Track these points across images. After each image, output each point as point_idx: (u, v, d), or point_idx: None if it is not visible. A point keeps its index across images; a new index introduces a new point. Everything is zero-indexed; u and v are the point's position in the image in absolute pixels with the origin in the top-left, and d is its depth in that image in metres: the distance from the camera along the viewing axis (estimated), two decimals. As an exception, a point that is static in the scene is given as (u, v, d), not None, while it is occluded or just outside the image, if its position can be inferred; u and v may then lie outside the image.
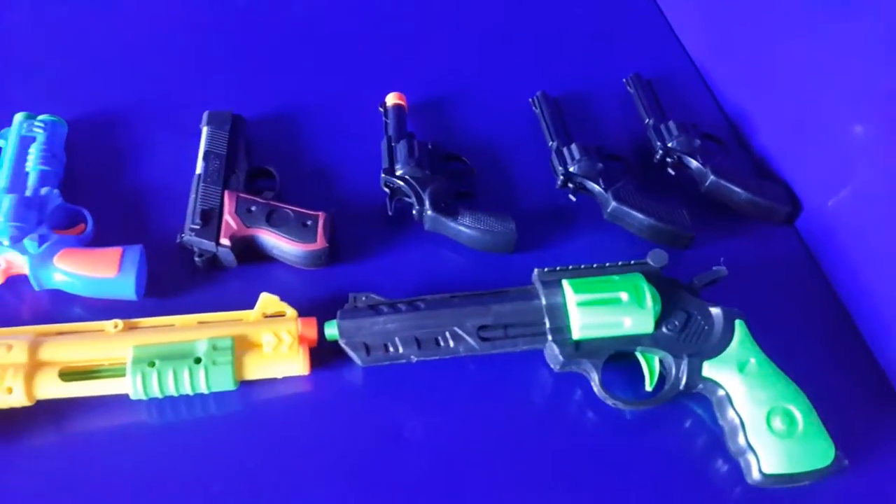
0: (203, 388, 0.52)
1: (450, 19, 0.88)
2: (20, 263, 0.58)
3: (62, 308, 0.59)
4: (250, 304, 0.58)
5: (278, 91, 0.78)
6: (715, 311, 0.54)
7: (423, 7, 0.88)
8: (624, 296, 0.52)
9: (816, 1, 0.67)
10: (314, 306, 0.59)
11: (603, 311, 0.52)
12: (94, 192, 0.66)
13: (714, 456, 0.53)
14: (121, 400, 0.52)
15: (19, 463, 0.51)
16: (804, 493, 0.51)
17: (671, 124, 0.72)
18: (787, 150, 0.72)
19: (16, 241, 0.57)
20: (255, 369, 0.53)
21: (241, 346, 0.53)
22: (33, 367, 0.50)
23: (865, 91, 0.61)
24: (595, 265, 0.57)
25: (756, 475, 0.49)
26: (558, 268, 0.56)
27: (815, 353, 0.60)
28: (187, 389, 0.52)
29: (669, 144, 0.71)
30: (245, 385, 0.54)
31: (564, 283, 0.54)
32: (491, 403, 0.56)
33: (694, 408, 0.56)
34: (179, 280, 0.61)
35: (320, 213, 0.63)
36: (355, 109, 0.76)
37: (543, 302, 0.54)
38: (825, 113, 0.66)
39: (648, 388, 0.54)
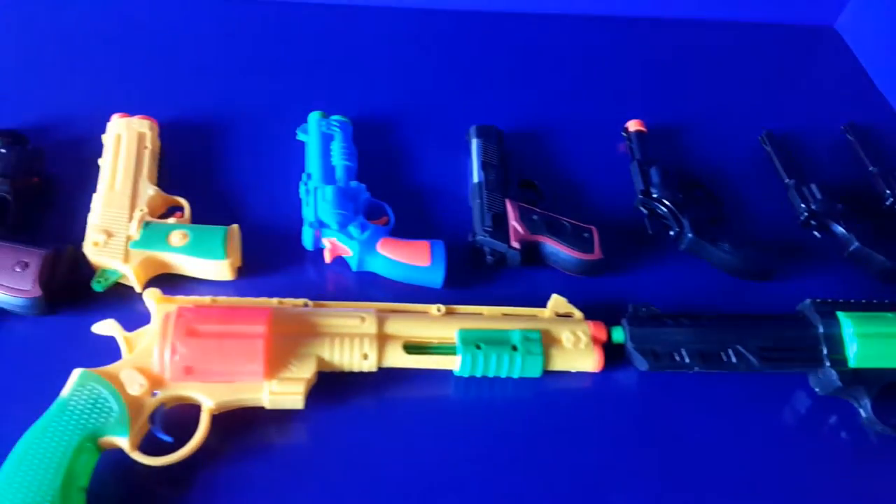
0: (515, 373, 0.59)
1: (682, 60, 0.96)
2: (342, 247, 0.66)
3: (364, 289, 0.67)
4: (526, 302, 0.65)
5: (525, 109, 0.85)
6: (982, 351, 0.59)
7: (664, 47, 0.97)
8: (902, 330, 0.58)
9: None
10: (583, 310, 0.66)
11: (881, 345, 0.58)
12: (374, 188, 0.75)
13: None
14: (439, 374, 0.60)
15: (355, 422, 0.59)
16: None
17: (900, 173, 0.77)
18: None
19: (342, 227, 0.66)
20: (558, 361, 0.60)
21: (545, 340, 0.60)
22: (382, 339, 0.58)
23: None
24: (863, 301, 0.62)
25: None
26: (829, 300, 0.62)
27: None
28: (503, 372, 0.59)
29: (899, 191, 0.76)
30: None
31: (840, 314, 0.60)
32: (750, 417, 0.62)
33: (942, 441, 0.61)
34: (464, 274, 0.69)
35: (592, 227, 0.69)
36: (595, 131, 0.84)
37: (820, 330, 0.60)
38: None
39: (916, 417, 0.59)
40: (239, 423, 0.56)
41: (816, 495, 0.59)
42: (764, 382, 0.64)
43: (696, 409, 0.62)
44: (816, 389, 0.62)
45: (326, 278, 0.67)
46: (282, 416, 0.57)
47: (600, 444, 0.60)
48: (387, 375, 0.60)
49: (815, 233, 0.73)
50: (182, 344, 0.53)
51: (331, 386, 0.59)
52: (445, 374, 0.61)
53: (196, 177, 0.74)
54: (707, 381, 0.63)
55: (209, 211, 0.69)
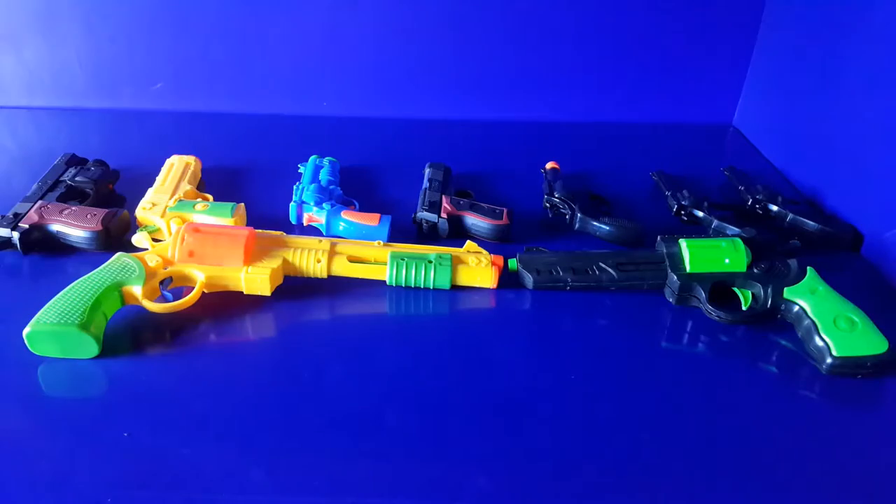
0: (430, 283, 0.78)
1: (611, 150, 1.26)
2: (318, 218, 0.90)
3: (331, 251, 0.90)
4: (453, 260, 0.86)
5: (470, 159, 1.14)
6: (791, 261, 0.76)
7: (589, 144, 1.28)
8: (723, 244, 0.76)
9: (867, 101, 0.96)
10: (497, 265, 0.86)
11: (708, 252, 0.76)
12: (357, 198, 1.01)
13: (796, 363, 0.71)
14: (376, 285, 0.80)
15: (309, 314, 0.78)
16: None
17: (759, 186, 0.99)
18: (852, 205, 0.95)
19: (318, 203, 0.91)
20: (463, 277, 0.80)
21: (455, 262, 0.80)
22: (332, 254, 0.80)
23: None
24: (701, 236, 0.81)
25: (829, 359, 0.67)
26: (675, 235, 0.81)
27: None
28: (421, 282, 0.78)
29: (757, 196, 0.97)
30: (453, 289, 0.80)
31: (681, 241, 0.79)
32: (623, 330, 0.77)
33: (774, 337, 0.74)
34: (408, 240, 0.90)
35: (504, 207, 0.92)
36: (529, 165, 1.11)
37: (665, 251, 0.79)
38: (878, 176, 0.91)
39: (744, 308, 0.74)
40: (224, 306, 0.77)
41: (681, 382, 0.71)
42: (632, 302, 0.80)
43: (576, 322, 0.78)
44: (670, 300, 0.78)
45: (304, 240, 0.91)
46: (257, 302, 0.77)
47: (499, 344, 0.75)
48: (334, 284, 0.80)
49: (683, 218, 0.94)
50: (189, 235, 0.76)
51: (292, 290, 0.79)
52: (380, 285, 0.80)
53: (227, 196, 1.02)
54: (585, 300, 0.80)
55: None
